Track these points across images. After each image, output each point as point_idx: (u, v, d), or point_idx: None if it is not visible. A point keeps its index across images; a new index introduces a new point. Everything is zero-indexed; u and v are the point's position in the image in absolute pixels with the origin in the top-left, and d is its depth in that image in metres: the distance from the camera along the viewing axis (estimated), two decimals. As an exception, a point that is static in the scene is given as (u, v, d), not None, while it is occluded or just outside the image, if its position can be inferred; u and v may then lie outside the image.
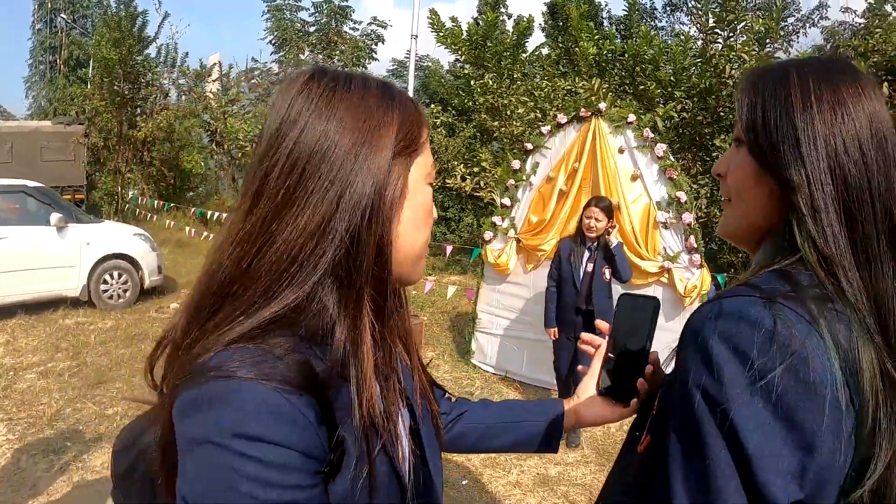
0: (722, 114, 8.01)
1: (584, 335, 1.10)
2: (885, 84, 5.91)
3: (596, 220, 4.34)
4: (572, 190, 5.53)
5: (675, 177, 5.13)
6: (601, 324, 1.07)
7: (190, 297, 0.72)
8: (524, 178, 5.85)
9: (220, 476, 0.58)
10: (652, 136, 5.18)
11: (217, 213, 11.68)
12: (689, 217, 5.09)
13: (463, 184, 11.18)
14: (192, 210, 13.37)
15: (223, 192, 16.87)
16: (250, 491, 0.58)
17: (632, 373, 0.98)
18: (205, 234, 10.70)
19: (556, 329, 4.63)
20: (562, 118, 5.59)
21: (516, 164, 5.88)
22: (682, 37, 8.99)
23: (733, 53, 7.27)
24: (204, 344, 0.66)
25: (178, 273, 9.40)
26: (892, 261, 0.74)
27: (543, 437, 1.07)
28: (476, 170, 11.23)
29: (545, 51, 11.78)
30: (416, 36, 12.00)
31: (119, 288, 7.55)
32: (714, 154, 8.34)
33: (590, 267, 4.46)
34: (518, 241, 5.87)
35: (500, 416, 1.11)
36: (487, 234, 6.08)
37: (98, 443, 4.23)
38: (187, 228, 11.52)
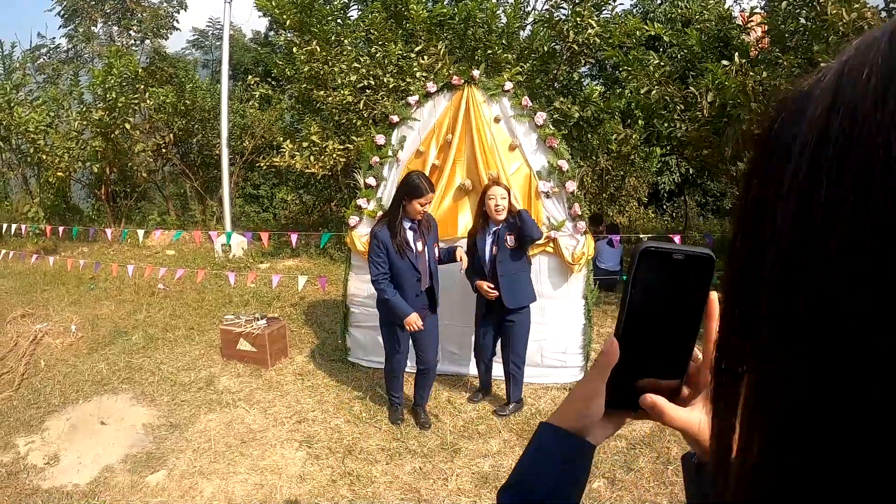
0: (560, 77, 7.95)
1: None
2: (736, 56, 6.10)
3: (501, 197, 4.19)
4: (447, 164, 5.00)
5: (555, 145, 4.83)
6: None
7: None
8: (390, 153, 5.18)
9: None
10: (531, 104, 4.80)
11: (14, 225, 9.31)
12: (572, 185, 4.84)
13: (292, 161, 10.08)
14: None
15: (14, 197, 13.79)
16: None
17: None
18: (2, 252, 8.46)
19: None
20: (431, 87, 5.00)
21: (380, 138, 5.19)
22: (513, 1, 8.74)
23: (579, 20, 7.16)
24: None
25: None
26: None
27: None
28: (305, 144, 10.17)
29: (370, 15, 10.93)
30: (231, 1, 10.56)
31: None
32: (554, 115, 8.28)
33: (494, 250, 4.26)
34: (389, 223, 5.21)
35: None
36: (352, 219, 5.33)
37: None
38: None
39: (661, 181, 12.95)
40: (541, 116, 4.84)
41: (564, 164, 4.83)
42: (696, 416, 0.62)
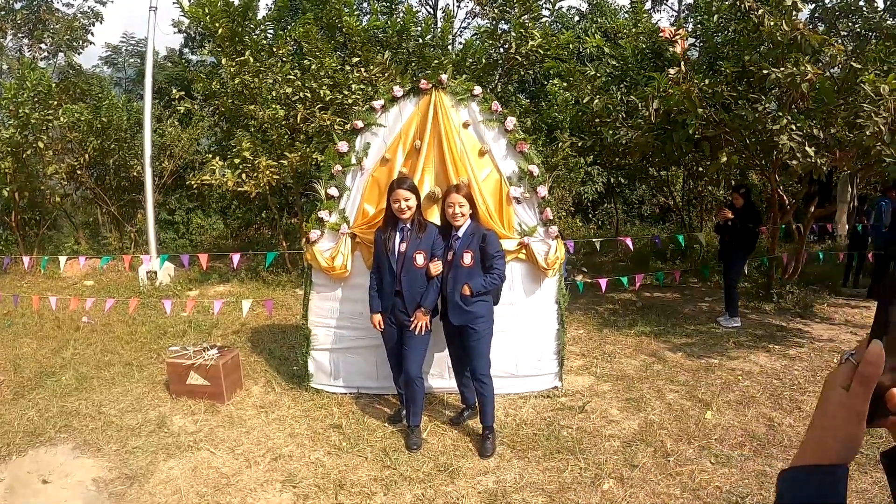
0: (498, 88, 7.76)
1: None
2: (682, 64, 6.09)
3: (459, 205, 3.92)
4: (415, 172, 4.58)
5: (526, 150, 4.55)
6: None
7: None
8: (353, 161, 4.71)
9: None
10: (501, 109, 4.50)
11: None
12: (543, 190, 4.58)
13: (223, 179, 9.27)
14: None
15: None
16: None
17: None
18: None
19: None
20: (398, 91, 4.60)
21: (343, 145, 4.71)
22: (446, 14, 8.51)
23: (523, 31, 6.97)
24: None
25: None
26: None
27: None
28: (237, 161, 9.38)
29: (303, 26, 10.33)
30: (156, 8, 9.67)
31: None
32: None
33: (450, 256, 3.98)
34: (353, 236, 4.72)
35: None
36: (314, 233, 4.79)
37: None
38: None
39: (584, 191, 13.10)
40: (510, 121, 4.56)
41: (535, 169, 4.57)
42: None
